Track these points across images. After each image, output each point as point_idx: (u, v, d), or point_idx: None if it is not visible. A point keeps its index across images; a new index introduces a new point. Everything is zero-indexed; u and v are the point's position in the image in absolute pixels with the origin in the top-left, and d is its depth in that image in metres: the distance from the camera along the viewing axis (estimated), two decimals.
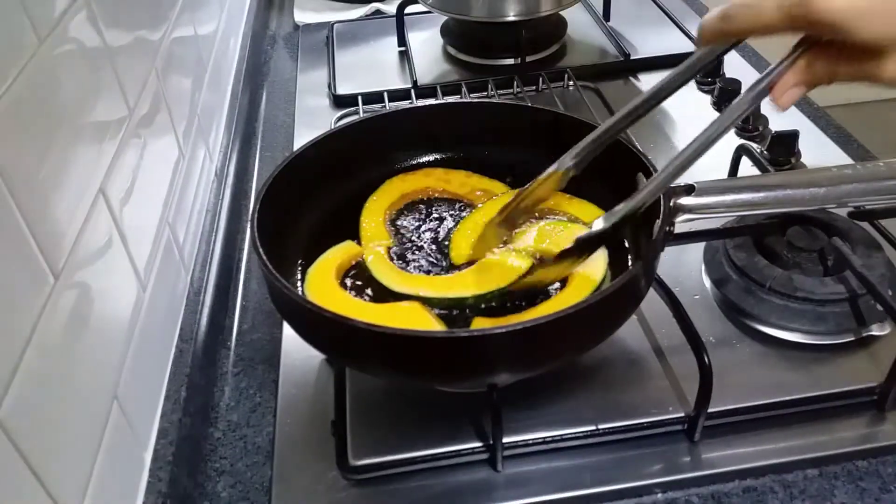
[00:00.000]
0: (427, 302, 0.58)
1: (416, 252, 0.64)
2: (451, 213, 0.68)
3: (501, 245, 0.63)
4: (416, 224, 0.67)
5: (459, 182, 0.70)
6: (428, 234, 0.66)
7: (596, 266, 0.59)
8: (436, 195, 0.70)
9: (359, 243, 0.64)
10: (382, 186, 0.69)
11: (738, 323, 0.64)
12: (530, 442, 0.56)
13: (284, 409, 0.60)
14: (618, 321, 0.54)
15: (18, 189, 0.40)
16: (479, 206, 0.67)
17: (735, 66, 1.00)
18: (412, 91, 0.98)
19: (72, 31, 0.50)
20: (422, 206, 0.69)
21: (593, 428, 0.56)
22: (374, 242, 0.64)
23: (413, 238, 0.65)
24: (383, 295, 0.60)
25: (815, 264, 0.64)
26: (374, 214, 0.67)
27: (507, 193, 0.68)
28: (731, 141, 0.86)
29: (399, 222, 0.67)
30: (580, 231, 0.62)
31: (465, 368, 0.51)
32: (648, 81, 1.00)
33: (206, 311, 0.67)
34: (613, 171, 0.63)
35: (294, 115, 0.99)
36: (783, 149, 0.81)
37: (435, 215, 0.68)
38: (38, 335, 0.40)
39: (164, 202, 0.64)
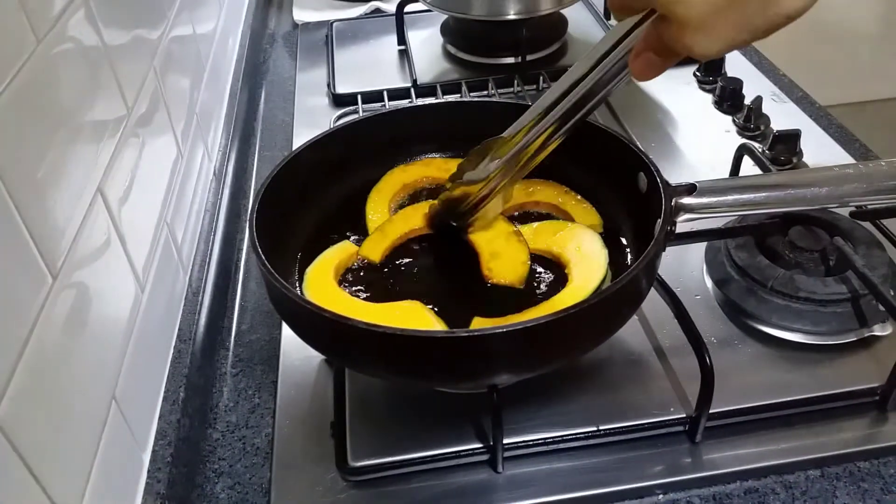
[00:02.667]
0: None
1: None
2: None
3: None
4: None
5: None
6: None
7: (596, 266, 0.59)
8: (437, 185, 0.69)
9: (362, 238, 0.65)
10: (384, 178, 0.69)
11: (740, 323, 0.64)
12: (531, 443, 0.55)
13: (283, 410, 0.60)
14: (619, 321, 0.54)
15: (16, 189, 0.40)
16: None
17: (736, 65, 1.00)
18: (412, 90, 0.98)
19: (70, 31, 0.49)
20: (424, 195, 0.69)
21: (594, 429, 0.56)
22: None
23: None
24: (383, 295, 0.59)
25: (817, 264, 0.63)
26: (380, 205, 0.67)
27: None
28: (732, 140, 0.85)
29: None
30: (581, 231, 0.62)
31: (465, 369, 0.51)
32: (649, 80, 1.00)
33: (204, 311, 0.67)
34: (614, 170, 0.63)
35: (293, 114, 0.99)
36: (785, 148, 0.81)
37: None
38: (36, 335, 0.40)
39: (162, 202, 0.64)
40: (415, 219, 0.65)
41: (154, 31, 0.69)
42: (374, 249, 0.63)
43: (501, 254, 0.61)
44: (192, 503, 0.56)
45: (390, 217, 0.65)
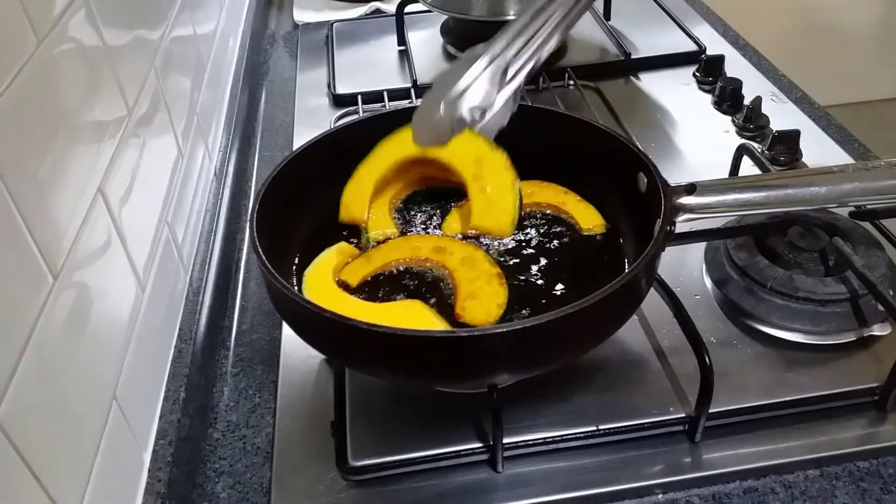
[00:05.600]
0: None
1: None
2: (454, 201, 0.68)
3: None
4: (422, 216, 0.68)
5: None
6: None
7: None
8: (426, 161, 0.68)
9: (360, 238, 0.65)
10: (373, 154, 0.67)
11: (739, 323, 0.64)
12: (531, 442, 0.56)
13: (284, 410, 0.60)
14: (619, 321, 0.54)
15: (17, 189, 0.40)
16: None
17: (736, 65, 1.00)
18: (412, 90, 0.98)
19: (71, 31, 0.50)
20: (423, 196, 0.70)
21: (594, 428, 0.56)
22: (376, 231, 0.65)
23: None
24: (381, 296, 0.59)
25: (817, 264, 0.63)
26: (378, 205, 0.67)
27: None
28: (732, 140, 0.86)
29: (398, 214, 0.68)
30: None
31: (465, 368, 0.51)
32: (649, 81, 1.00)
33: (205, 311, 0.67)
34: (614, 170, 0.63)
35: (293, 114, 0.99)
36: (784, 148, 0.81)
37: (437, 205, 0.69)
38: (36, 335, 0.40)
39: (163, 202, 0.64)
40: (404, 249, 0.63)
41: (155, 32, 0.69)
42: (354, 274, 0.61)
43: (479, 294, 0.58)
44: (193, 503, 0.56)
45: (378, 245, 0.64)
